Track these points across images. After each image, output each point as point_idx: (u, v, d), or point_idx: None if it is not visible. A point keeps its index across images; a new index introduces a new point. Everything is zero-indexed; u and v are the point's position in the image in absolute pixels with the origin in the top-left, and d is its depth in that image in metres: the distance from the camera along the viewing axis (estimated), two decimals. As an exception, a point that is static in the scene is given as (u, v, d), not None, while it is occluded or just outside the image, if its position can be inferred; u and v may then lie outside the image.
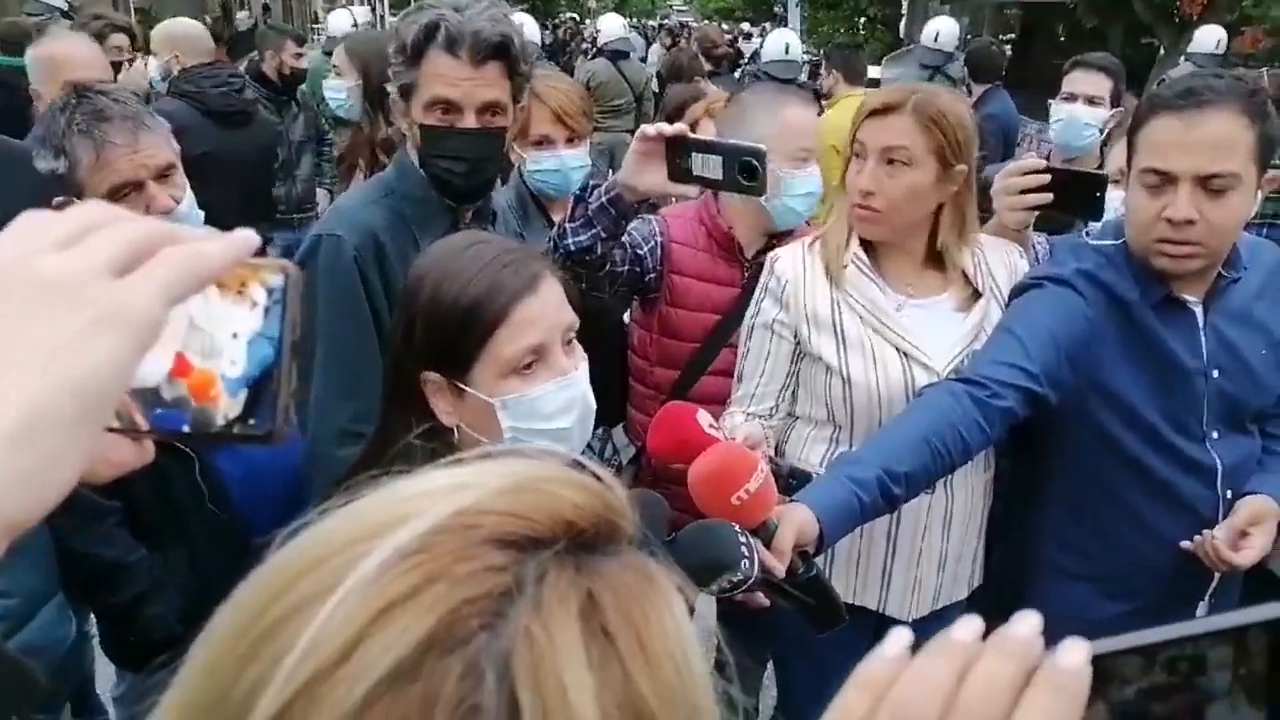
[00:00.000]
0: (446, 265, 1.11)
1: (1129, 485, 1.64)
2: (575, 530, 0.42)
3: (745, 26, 28.07)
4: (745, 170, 1.49)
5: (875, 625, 1.72)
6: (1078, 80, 3.00)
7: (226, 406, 0.46)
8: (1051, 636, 0.41)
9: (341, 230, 1.61)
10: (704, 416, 1.39)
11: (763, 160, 1.48)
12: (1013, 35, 18.32)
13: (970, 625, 0.41)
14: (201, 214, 1.77)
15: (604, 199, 1.66)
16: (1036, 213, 1.75)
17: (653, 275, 1.98)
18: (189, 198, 1.73)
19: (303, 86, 4.35)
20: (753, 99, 2.05)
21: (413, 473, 0.45)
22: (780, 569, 1.27)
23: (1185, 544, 1.60)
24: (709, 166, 1.53)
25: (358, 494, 0.43)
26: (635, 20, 37.28)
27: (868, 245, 1.73)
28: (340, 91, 3.01)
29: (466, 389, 1.10)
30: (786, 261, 1.76)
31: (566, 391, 1.12)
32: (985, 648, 0.41)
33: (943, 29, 6.31)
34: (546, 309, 1.10)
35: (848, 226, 1.71)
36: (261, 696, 0.37)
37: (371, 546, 0.39)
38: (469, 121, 1.62)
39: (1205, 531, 1.57)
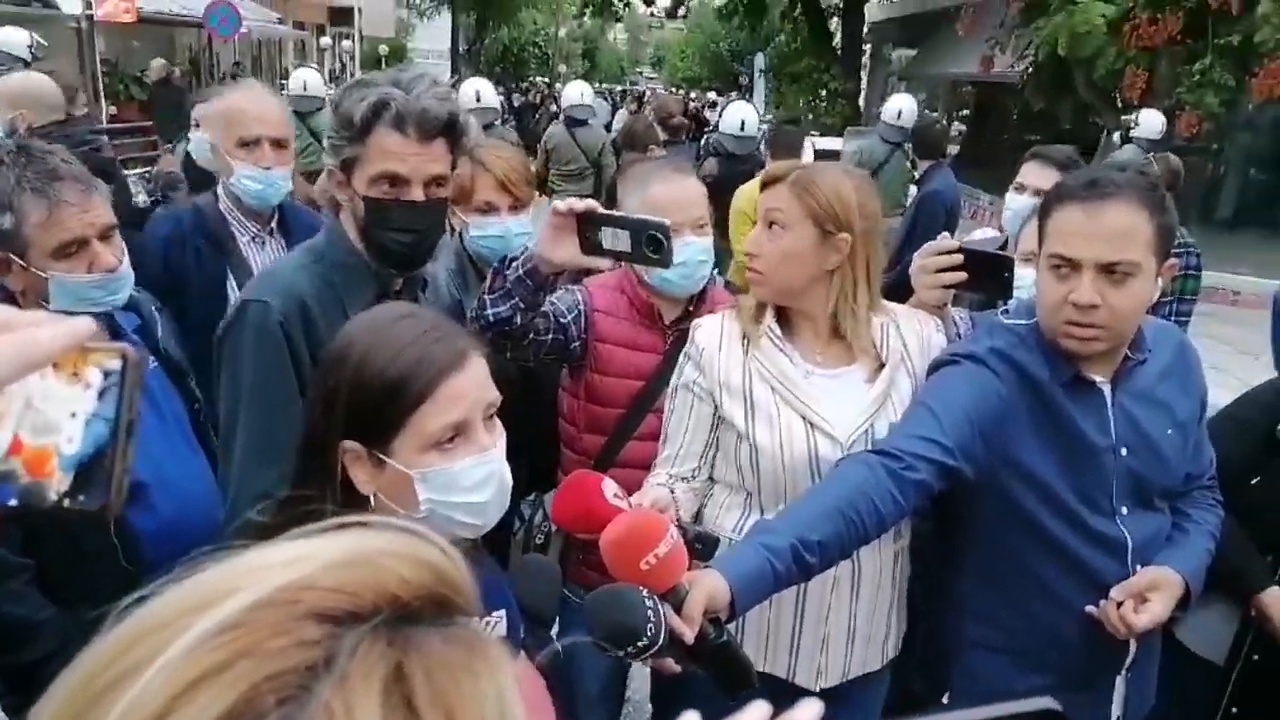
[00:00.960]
0: (375, 336, 1.11)
1: (1041, 560, 1.67)
2: (399, 604, 0.44)
3: (711, 96, 28.81)
4: (651, 244, 1.57)
5: (786, 693, 1.72)
6: (1030, 173, 3.07)
7: (60, 482, 0.48)
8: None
9: (268, 296, 1.62)
10: (609, 486, 1.41)
11: (667, 234, 1.55)
12: (967, 112, 18.98)
13: (758, 710, 0.43)
14: (131, 274, 1.78)
15: (521, 271, 1.72)
16: (952, 291, 1.81)
17: (577, 343, 2.02)
18: (125, 258, 1.75)
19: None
20: (632, 173, 2.14)
21: (254, 546, 0.46)
22: (689, 634, 1.27)
23: (1090, 609, 1.64)
24: (618, 240, 1.60)
25: (200, 566, 0.44)
26: (602, 86, 38.10)
27: (782, 318, 1.78)
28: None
29: (386, 460, 1.10)
30: (706, 329, 1.81)
31: (485, 467, 1.13)
32: None
33: (904, 106, 6.57)
34: (472, 386, 1.11)
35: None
36: None
37: (196, 619, 0.40)
38: (416, 194, 1.66)
39: (1108, 598, 1.62)
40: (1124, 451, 1.66)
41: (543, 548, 2.00)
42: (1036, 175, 3.06)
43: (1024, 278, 1.86)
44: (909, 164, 6.29)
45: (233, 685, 0.39)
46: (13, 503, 0.48)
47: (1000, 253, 1.84)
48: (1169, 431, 1.69)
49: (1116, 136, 8.18)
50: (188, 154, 3.18)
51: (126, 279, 1.75)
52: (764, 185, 1.77)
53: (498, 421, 1.18)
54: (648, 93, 25.97)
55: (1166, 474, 1.70)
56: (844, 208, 1.70)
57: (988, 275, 1.80)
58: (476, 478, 1.13)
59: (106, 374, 0.49)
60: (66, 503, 0.48)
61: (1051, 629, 1.69)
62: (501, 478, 1.17)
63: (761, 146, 6.02)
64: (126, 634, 0.41)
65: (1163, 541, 1.71)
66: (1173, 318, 4.09)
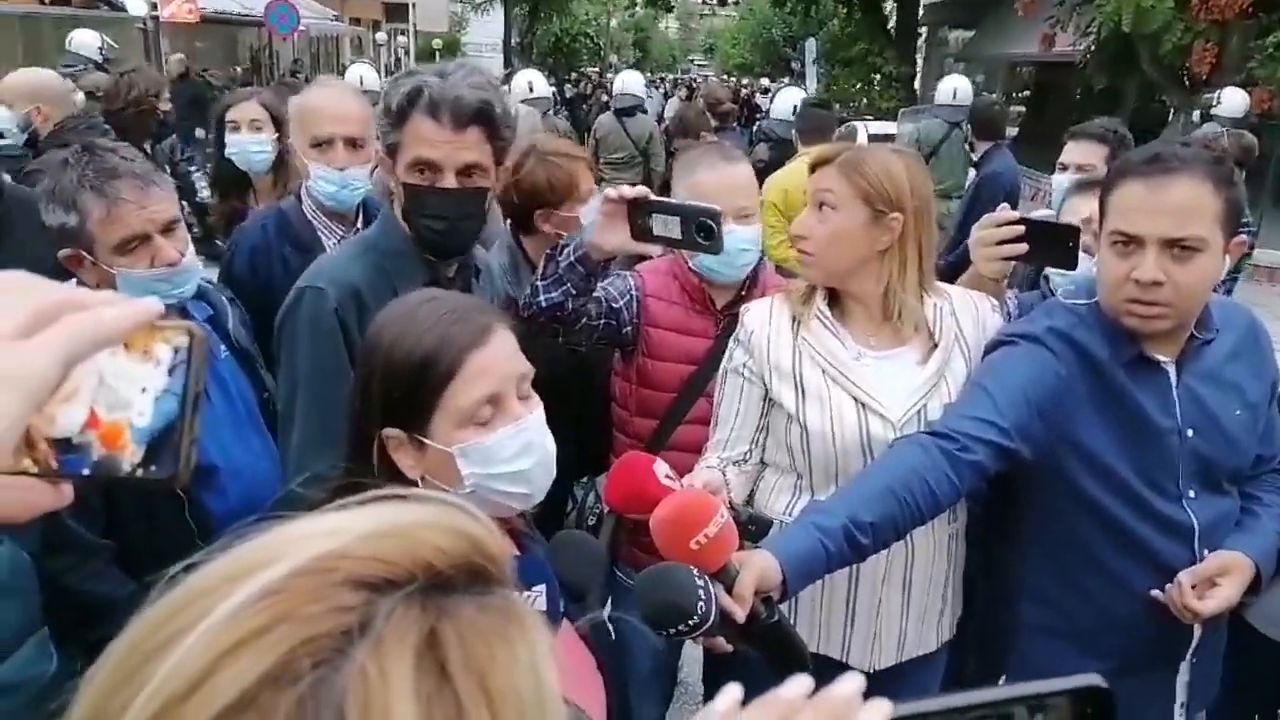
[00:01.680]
0: (399, 323, 1.14)
1: (1103, 542, 1.64)
2: (433, 572, 0.45)
3: (764, 82, 28.57)
4: (702, 230, 1.58)
5: (840, 674, 1.72)
6: (1071, 151, 3.05)
7: (133, 454, 0.51)
8: None
9: (323, 283, 1.66)
10: (661, 467, 1.42)
11: (718, 220, 1.56)
12: (1027, 93, 18.55)
13: (799, 684, 0.44)
14: (200, 266, 1.84)
15: (572, 258, 1.75)
16: (1012, 263, 1.78)
17: (629, 328, 2.04)
18: (190, 250, 1.81)
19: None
20: (682, 158, 2.15)
21: (299, 517, 0.48)
22: (740, 613, 1.27)
23: (1156, 593, 1.61)
24: (669, 227, 1.61)
25: (245, 536, 0.46)
26: (654, 74, 38.00)
27: (832, 300, 1.77)
28: (266, 145, 3.09)
29: (426, 442, 1.12)
30: (755, 313, 1.81)
31: (522, 436, 1.15)
32: (804, 704, 0.43)
33: (959, 85, 6.52)
34: (498, 359, 1.13)
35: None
36: (124, 718, 0.40)
37: (238, 586, 0.42)
38: (449, 181, 1.68)
39: (1175, 581, 1.58)
40: (1190, 433, 1.61)
41: (594, 529, 2.02)
42: (1076, 152, 3.03)
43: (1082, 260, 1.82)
44: (967, 145, 6.18)
45: (272, 648, 0.40)
46: (86, 472, 0.51)
47: (1064, 223, 1.80)
48: (1238, 413, 1.64)
49: (1196, 115, 7.93)
50: (221, 156, 3.16)
51: (191, 272, 1.81)
52: (813, 167, 1.75)
53: (533, 393, 1.20)
54: (698, 81, 25.83)
55: (1235, 456, 1.66)
56: (895, 187, 1.68)
57: (1051, 246, 1.77)
58: (515, 447, 1.14)
59: (175, 351, 0.51)
60: (139, 473, 0.51)
61: (1111, 612, 1.66)
62: (542, 445, 1.18)
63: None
64: (172, 601, 0.44)
65: (1230, 525, 1.67)
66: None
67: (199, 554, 0.46)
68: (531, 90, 6.32)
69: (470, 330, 1.12)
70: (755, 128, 8.21)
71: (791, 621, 1.74)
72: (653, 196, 1.66)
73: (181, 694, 0.40)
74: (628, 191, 1.65)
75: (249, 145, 3.07)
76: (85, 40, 7.43)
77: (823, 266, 1.73)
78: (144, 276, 1.71)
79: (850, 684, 0.47)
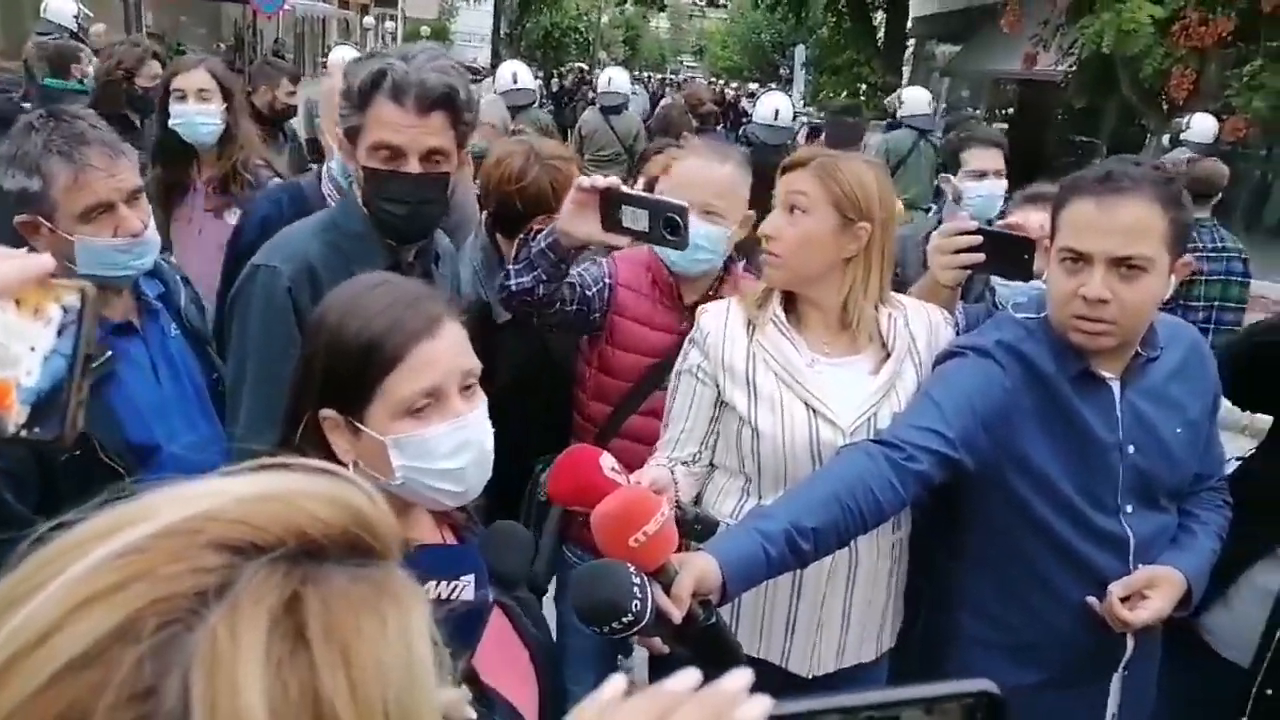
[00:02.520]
0: (350, 304, 1.12)
1: (1041, 554, 1.66)
2: (306, 539, 0.44)
3: (752, 86, 28.66)
4: (669, 225, 1.58)
5: (779, 681, 1.73)
6: (980, 157, 3.14)
7: (18, 414, 0.50)
8: None
9: (277, 261, 1.64)
10: (607, 460, 1.41)
11: (685, 217, 1.57)
12: (1011, 109, 18.70)
13: (686, 677, 0.44)
14: (157, 239, 1.81)
15: (544, 244, 1.75)
16: (968, 271, 1.80)
17: (598, 314, 2.05)
18: (151, 222, 1.77)
19: (292, 121, 4.44)
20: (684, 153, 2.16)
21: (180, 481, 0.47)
22: (677, 614, 1.27)
23: (1090, 599, 1.63)
24: (637, 220, 1.62)
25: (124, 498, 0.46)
26: (642, 73, 37.95)
27: (789, 305, 1.78)
28: (214, 116, 2.96)
29: (362, 427, 1.11)
30: (711, 315, 1.81)
31: (460, 433, 1.13)
32: (687, 697, 0.43)
33: (923, 96, 6.79)
34: (444, 353, 1.12)
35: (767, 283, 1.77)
36: None
37: (102, 544, 0.42)
38: (412, 166, 1.67)
39: (1109, 590, 1.61)
40: (1131, 449, 1.64)
41: (546, 505, 2.02)
42: (985, 158, 3.13)
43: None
44: (935, 154, 6.24)
45: (124, 605, 0.40)
46: None
47: (1020, 234, 1.82)
48: (1178, 430, 1.67)
49: (1166, 139, 8.04)
50: (164, 126, 3.01)
51: (151, 244, 1.77)
52: (785, 169, 1.76)
53: (479, 390, 1.19)
54: (686, 81, 25.87)
55: (1174, 473, 1.68)
56: (866, 196, 1.69)
57: (1007, 256, 1.79)
58: (451, 444, 1.13)
59: (66, 310, 0.50)
60: (23, 434, 0.51)
61: (1048, 624, 1.68)
62: (480, 444, 1.17)
63: (799, 137, 5.99)
64: (36, 558, 0.43)
65: (1167, 541, 1.69)
66: (1212, 325, 4.03)
67: (71, 513, 0.45)
68: (515, 82, 6.27)
69: (420, 319, 1.10)
70: (739, 132, 8.24)
71: (733, 623, 1.75)
72: (624, 189, 1.67)
73: (30, 645, 0.39)
74: (600, 182, 1.66)
75: (195, 116, 2.92)
76: (61, 9, 7.31)
77: (789, 269, 1.74)
78: (105, 246, 1.67)
79: (737, 680, 0.47)
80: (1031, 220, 2.01)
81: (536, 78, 6.60)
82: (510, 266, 1.83)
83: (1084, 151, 13.73)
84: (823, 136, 5.38)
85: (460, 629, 1.16)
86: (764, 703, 0.44)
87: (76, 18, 7.27)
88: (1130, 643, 1.68)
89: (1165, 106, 9.25)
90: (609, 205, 1.65)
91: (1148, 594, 1.60)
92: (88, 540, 0.42)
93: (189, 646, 0.40)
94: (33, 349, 0.50)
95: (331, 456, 1.12)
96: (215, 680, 0.39)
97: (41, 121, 1.68)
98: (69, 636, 0.39)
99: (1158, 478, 1.67)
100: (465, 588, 1.17)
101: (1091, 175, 1.57)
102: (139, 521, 0.43)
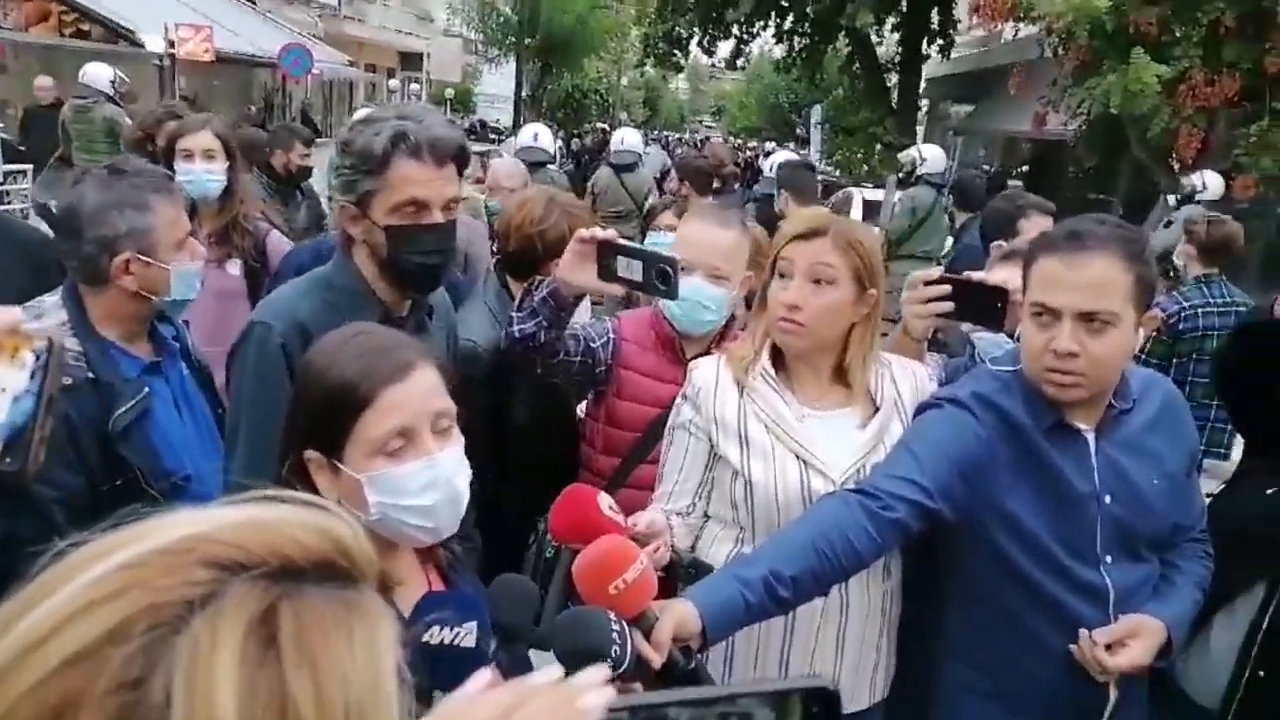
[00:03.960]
0: (329, 352, 1.22)
1: (1022, 603, 1.68)
2: (288, 561, 0.50)
3: (769, 145, 29.05)
4: (660, 275, 1.67)
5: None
6: (1040, 224, 3.21)
7: None
8: None
9: (271, 318, 1.73)
10: (604, 499, 1.47)
11: (675, 267, 1.66)
12: (1026, 167, 18.87)
13: (547, 673, 0.50)
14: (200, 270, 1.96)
15: (545, 292, 1.85)
16: (939, 320, 1.86)
17: (603, 368, 2.14)
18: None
19: (311, 180, 4.61)
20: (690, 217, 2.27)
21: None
22: (656, 659, 1.30)
23: (1072, 646, 1.65)
24: (631, 269, 1.71)
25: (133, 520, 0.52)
26: (660, 133, 38.56)
27: (776, 360, 1.83)
28: (219, 174, 3.10)
29: (340, 466, 1.19)
30: (702, 370, 1.88)
31: (430, 472, 1.20)
32: (541, 688, 0.49)
33: (934, 154, 7.03)
34: (414, 395, 1.19)
35: (758, 340, 1.82)
36: None
37: (104, 559, 0.48)
38: (436, 217, 1.76)
39: (1084, 633, 1.63)
40: (1108, 499, 1.67)
41: (553, 559, 2.06)
42: (1041, 226, 3.18)
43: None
44: (948, 214, 6.35)
45: (119, 610, 0.46)
46: None
47: (993, 284, 1.87)
48: (1155, 481, 1.70)
49: (1172, 198, 8.10)
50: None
51: (196, 274, 1.97)
52: (803, 236, 1.77)
53: (456, 432, 1.25)
54: (702, 140, 26.34)
55: (1153, 523, 1.71)
56: (878, 263, 1.78)
57: (979, 305, 1.85)
58: (422, 482, 1.20)
59: (36, 356, 0.58)
60: None
61: (1032, 673, 1.70)
62: (450, 482, 1.23)
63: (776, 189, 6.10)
64: (52, 570, 0.49)
65: (1148, 592, 1.71)
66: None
67: (83, 534, 0.51)
68: (535, 140, 6.50)
69: (390, 365, 1.19)
70: (751, 189, 8.41)
71: (727, 661, 1.78)
72: (619, 240, 1.77)
73: (33, 644, 0.45)
74: (598, 233, 1.76)
75: (203, 174, 3.07)
76: (97, 74, 7.62)
77: (813, 338, 1.78)
78: (192, 270, 1.90)
79: (590, 675, 0.52)
80: (1006, 277, 2.07)
81: (558, 138, 6.82)
82: (513, 313, 1.92)
83: (1098, 209, 13.80)
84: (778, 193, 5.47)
85: (452, 672, 1.21)
86: (607, 693, 0.49)
87: (113, 83, 7.56)
88: (1113, 694, 1.69)
89: (1176, 165, 9.33)
90: (605, 256, 1.75)
91: (1128, 643, 1.62)
92: (94, 555, 0.49)
93: (174, 647, 0.45)
94: (3, 389, 0.56)
95: (318, 494, 1.19)
96: (194, 677, 0.45)
97: (126, 169, 1.86)
98: (67, 637, 0.45)
99: (1137, 528, 1.69)
100: (467, 635, 1.22)
101: (1059, 232, 1.63)
102: (139, 540, 0.49)
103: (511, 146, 6.95)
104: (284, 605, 0.48)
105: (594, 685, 0.50)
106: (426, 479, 1.20)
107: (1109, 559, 1.68)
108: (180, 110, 3.90)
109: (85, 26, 14.43)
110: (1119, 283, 1.56)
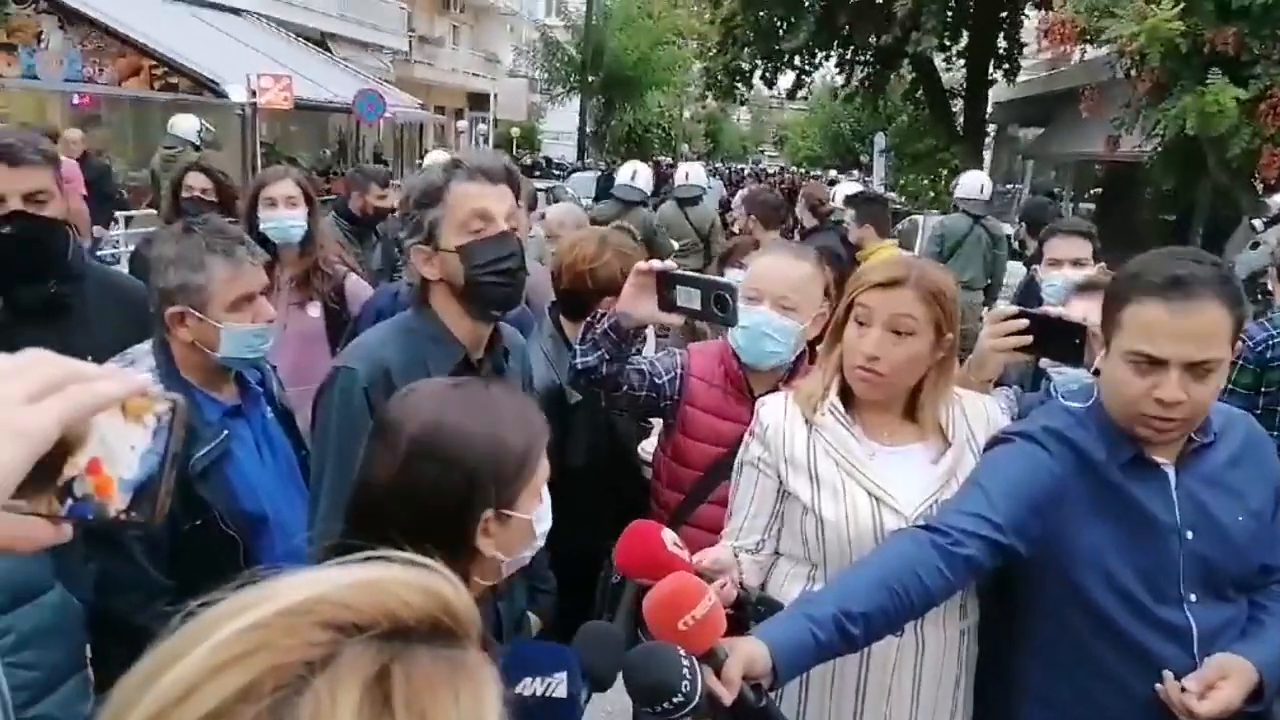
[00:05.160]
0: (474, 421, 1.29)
1: (1100, 643, 1.64)
2: (398, 621, 0.54)
3: (832, 174, 28.95)
4: (719, 302, 1.71)
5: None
6: (1058, 246, 3.17)
7: (119, 501, 0.63)
8: None
9: (355, 363, 1.80)
10: (668, 535, 1.49)
11: (733, 294, 1.69)
12: (1099, 190, 18.43)
13: None
14: (273, 330, 2.02)
15: (606, 325, 1.90)
16: (1014, 354, 1.85)
17: (669, 403, 2.16)
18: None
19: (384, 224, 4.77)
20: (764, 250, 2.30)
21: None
22: (727, 696, 1.31)
23: (1158, 686, 1.60)
24: (690, 299, 1.76)
25: (255, 580, 0.57)
26: (724, 164, 38.65)
27: (846, 396, 1.83)
28: (301, 220, 3.26)
29: (513, 514, 1.30)
30: (770, 406, 1.89)
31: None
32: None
33: (985, 183, 6.91)
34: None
35: (827, 376, 1.83)
36: (130, 717, 0.50)
37: (232, 621, 0.52)
38: (500, 227, 1.84)
39: (1168, 675, 1.58)
40: (1190, 535, 1.62)
41: (620, 586, 2.09)
42: (1064, 247, 3.15)
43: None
44: (1018, 243, 6.24)
45: (249, 670, 0.50)
46: (91, 518, 0.63)
47: (1072, 320, 1.85)
48: (1240, 519, 1.65)
49: (1258, 221, 7.83)
50: (253, 231, 3.28)
51: (274, 330, 2.02)
52: (884, 285, 1.76)
53: None
54: (768, 172, 26.36)
55: (1238, 562, 1.65)
56: (956, 309, 1.77)
57: (1057, 341, 1.84)
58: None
59: (159, 417, 0.64)
60: (124, 516, 0.63)
61: (1112, 715, 1.65)
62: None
63: (848, 218, 6.08)
64: (183, 630, 0.54)
65: (1235, 634, 1.66)
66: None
67: (214, 593, 0.56)
68: (633, 179, 6.66)
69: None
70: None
71: (802, 693, 1.78)
72: (677, 270, 1.81)
73: (174, 700, 0.49)
74: (656, 265, 1.82)
75: (286, 220, 3.24)
76: (185, 124, 8.00)
77: (892, 389, 1.79)
78: (245, 330, 1.93)
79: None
80: (1066, 251, 2.05)
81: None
82: (577, 346, 1.97)
83: (1176, 232, 13.40)
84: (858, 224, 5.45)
85: None
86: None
87: (199, 132, 7.94)
88: None
89: (1260, 186, 9.04)
90: (665, 286, 1.79)
91: (1218, 685, 1.57)
92: (222, 617, 0.53)
93: (298, 707, 0.49)
94: (133, 448, 0.62)
95: (387, 541, 1.24)
96: None
97: (198, 226, 1.95)
98: (204, 695, 0.49)
99: (1221, 566, 1.64)
100: (559, 685, 1.25)
101: (1157, 276, 1.55)
102: (263, 602, 0.53)
103: (574, 183, 7.11)
104: (396, 666, 0.51)
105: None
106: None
107: (1193, 598, 1.63)
108: (206, 162, 4.10)
109: (174, 80, 15.14)
110: (1224, 329, 1.52)
